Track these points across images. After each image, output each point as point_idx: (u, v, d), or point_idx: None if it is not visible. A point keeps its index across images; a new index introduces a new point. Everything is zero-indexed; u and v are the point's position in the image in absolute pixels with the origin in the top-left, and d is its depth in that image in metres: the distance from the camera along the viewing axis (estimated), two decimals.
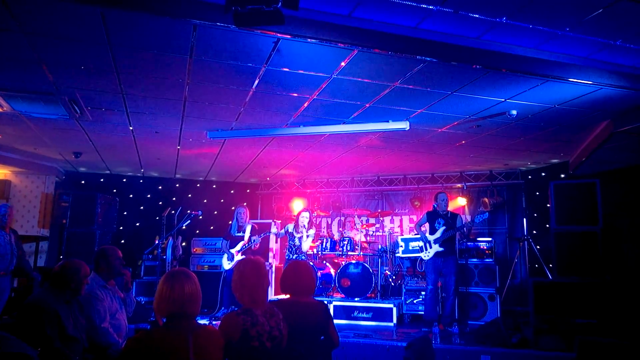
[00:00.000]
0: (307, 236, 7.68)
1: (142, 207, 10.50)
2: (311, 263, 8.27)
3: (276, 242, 9.22)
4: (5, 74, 4.74)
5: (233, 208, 11.07)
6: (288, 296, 3.39)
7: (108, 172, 10.21)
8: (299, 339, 3.10)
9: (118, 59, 4.30)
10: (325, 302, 7.38)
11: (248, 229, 7.77)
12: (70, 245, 7.66)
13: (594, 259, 5.99)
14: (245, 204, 8.67)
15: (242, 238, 7.71)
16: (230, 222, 8.05)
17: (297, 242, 7.65)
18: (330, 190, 10.78)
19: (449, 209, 7.30)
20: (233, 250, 7.68)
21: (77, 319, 3.43)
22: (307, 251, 7.84)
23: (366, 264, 8.16)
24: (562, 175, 8.33)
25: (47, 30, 3.79)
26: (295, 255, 7.55)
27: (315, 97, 5.28)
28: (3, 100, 5.41)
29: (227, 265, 7.70)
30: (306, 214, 7.87)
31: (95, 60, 4.35)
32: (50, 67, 4.51)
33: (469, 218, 9.13)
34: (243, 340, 2.70)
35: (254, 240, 7.59)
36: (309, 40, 3.83)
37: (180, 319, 2.46)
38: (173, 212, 7.66)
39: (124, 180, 10.55)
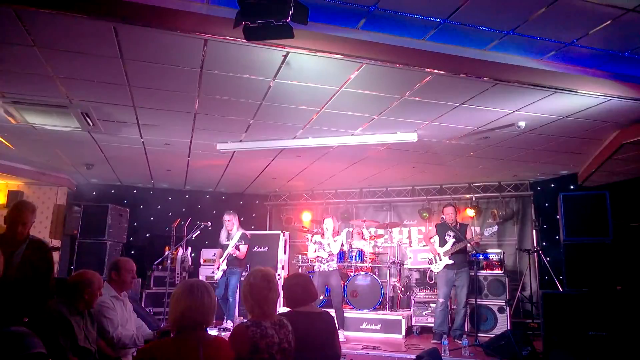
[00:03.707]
0: (335, 240, 7.23)
1: (152, 218, 10.57)
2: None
3: (284, 252, 9.20)
4: (20, 87, 4.84)
5: (242, 219, 11.15)
6: (289, 309, 3.40)
7: (119, 183, 10.31)
8: (307, 350, 3.10)
9: (130, 72, 4.38)
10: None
11: (236, 237, 7.47)
12: (81, 255, 7.69)
13: (604, 270, 5.93)
14: (232, 212, 7.99)
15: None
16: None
17: (326, 247, 7.21)
18: (339, 202, 10.79)
19: (458, 220, 7.27)
20: (220, 260, 7.51)
21: (89, 330, 3.45)
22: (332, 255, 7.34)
23: (375, 275, 8.14)
24: (572, 187, 8.28)
25: (60, 45, 3.87)
26: (326, 264, 7.15)
27: (323, 110, 5.32)
28: (17, 112, 5.51)
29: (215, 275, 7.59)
30: (329, 220, 7.40)
31: (108, 74, 4.43)
32: (64, 80, 4.60)
33: (478, 230, 9.08)
34: (253, 353, 2.70)
35: (237, 248, 7.34)
36: (317, 53, 3.88)
37: (192, 330, 2.47)
38: (183, 223, 7.69)
39: (135, 191, 10.66)
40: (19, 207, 3.97)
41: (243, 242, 7.46)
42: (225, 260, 7.48)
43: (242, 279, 7.53)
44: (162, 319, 7.46)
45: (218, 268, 7.55)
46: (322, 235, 7.37)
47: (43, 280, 3.95)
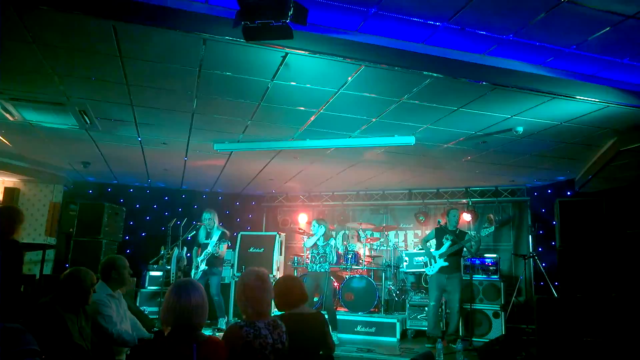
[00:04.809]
0: (333, 245, 7.37)
1: (148, 217, 10.56)
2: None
3: (280, 254, 9.19)
4: (18, 84, 4.82)
5: (238, 220, 11.16)
6: (283, 312, 3.40)
7: (115, 182, 10.29)
8: (300, 351, 3.10)
9: (128, 70, 4.37)
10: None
11: (216, 235, 7.35)
12: (77, 253, 7.67)
13: (600, 276, 5.95)
14: (212, 210, 7.85)
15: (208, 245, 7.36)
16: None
17: (320, 250, 7.33)
18: (336, 204, 10.79)
19: (458, 226, 7.28)
20: (199, 259, 7.38)
21: (83, 328, 3.45)
22: (334, 261, 7.53)
23: (370, 278, 8.14)
24: (569, 193, 8.30)
25: (59, 43, 3.86)
26: (318, 265, 7.28)
27: (321, 112, 5.32)
28: (14, 109, 5.49)
29: (195, 276, 7.34)
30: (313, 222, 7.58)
31: (106, 72, 4.42)
32: (62, 77, 4.59)
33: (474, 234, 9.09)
34: (246, 353, 2.70)
35: (217, 247, 7.21)
36: (316, 55, 3.88)
37: (185, 330, 2.47)
38: (179, 222, 7.66)
39: (131, 190, 10.63)
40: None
41: (224, 240, 7.41)
42: (205, 260, 7.36)
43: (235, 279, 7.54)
44: (157, 318, 7.43)
45: (197, 268, 7.40)
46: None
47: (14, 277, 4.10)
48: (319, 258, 7.31)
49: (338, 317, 7.54)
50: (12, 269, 4.25)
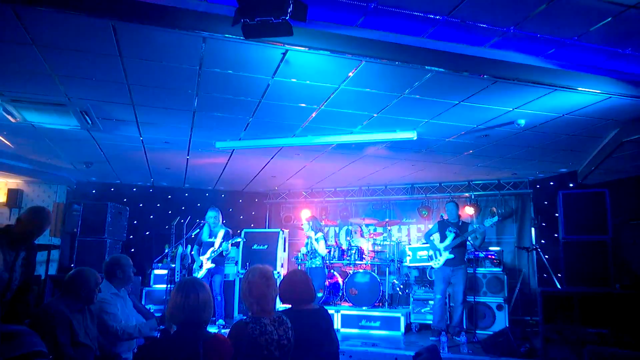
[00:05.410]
0: (316, 240, 7.61)
1: (151, 216, 10.57)
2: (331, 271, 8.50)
3: (284, 250, 9.21)
4: (18, 86, 4.83)
5: (242, 217, 11.18)
6: (289, 306, 3.41)
7: (118, 181, 10.30)
8: (306, 347, 3.11)
9: (129, 70, 4.37)
10: (333, 310, 7.50)
11: (220, 234, 7.38)
12: (81, 253, 7.71)
13: (603, 268, 5.94)
14: (217, 208, 7.95)
15: (213, 244, 7.37)
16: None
17: (308, 247, 7.70)
18: (338, 200, 10.79)
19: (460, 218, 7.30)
20: (202, 258, 7.36)
21: (89, 327, 3.47)
22: (324, 254, 7.81)
23: (374, 273, 8.16)
24: (571, 185, 8.28)
25: (59, 43, 3.86)
26: (310, 261, 7.56)
27: (322, 108, 5.32)
28: (16, 111, 5.50)
29: (195, 273, 7.33)
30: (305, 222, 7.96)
31: (107, 72, 4.43)
32: (62, 78, 4.59)
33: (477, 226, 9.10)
34: (251, 349, 2.71)
35: (224, 247, 7.22)
36: (316, 51, 3.87)
37: (191, 327, 2.48)
38: (182, 221, 7.68)
39: (134, 189, 10.64)
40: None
41: (233, 238, 7.44)
42: (211, 260, 7.35)
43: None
44: (162, 316, 7.45)
45: (200, 267, 7.38)
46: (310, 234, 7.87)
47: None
48: (310, 255, 7.71)
49: (343, 312, 7.61)
50: (34, 269, 4.32)
